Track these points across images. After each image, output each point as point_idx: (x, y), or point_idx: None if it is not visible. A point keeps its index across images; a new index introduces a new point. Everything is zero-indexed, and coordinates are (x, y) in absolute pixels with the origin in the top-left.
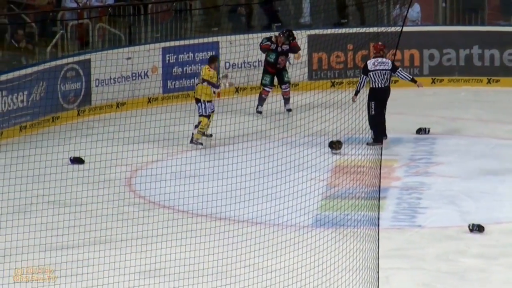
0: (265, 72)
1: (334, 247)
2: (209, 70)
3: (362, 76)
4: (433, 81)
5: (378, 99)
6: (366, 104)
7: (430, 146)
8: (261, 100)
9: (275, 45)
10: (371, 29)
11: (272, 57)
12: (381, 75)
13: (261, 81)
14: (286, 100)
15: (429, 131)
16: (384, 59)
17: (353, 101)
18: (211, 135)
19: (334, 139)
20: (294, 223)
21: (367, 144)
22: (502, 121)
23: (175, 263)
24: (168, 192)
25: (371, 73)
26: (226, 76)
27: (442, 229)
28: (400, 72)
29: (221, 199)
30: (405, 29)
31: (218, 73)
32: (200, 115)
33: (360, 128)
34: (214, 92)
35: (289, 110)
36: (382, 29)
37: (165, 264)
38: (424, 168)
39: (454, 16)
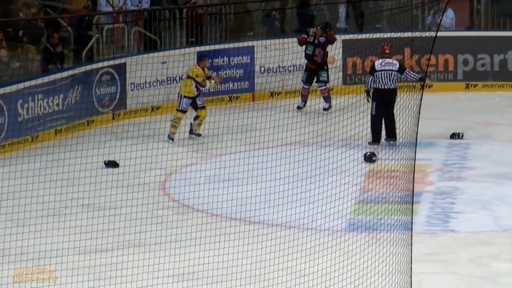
0: (305, 68)
1: (367, 251)
2: (197, 68)
3: (369, 76)
4: (467, 86)
5: (381, 100)
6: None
7: (464, 151)
8: (302, 96)
9: (312, 37)
10: (405, 34)
11: (310, 50)
12: (387, 76)
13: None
14: (324, 99)
15: (462, 136)
16: (391, 60)
17: (367, 101)
18: (199, 134)
19: (368, 152)
20: (328, 227)
21: (368, 143)
22: None
23: (208, 266)
24: (202, 196)
25: (377, 73)
26: (209, 77)
27: (475, 233)
28: (407, 73)
29: (255, 203)
30: (439, 34)
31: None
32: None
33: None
34: (198, 90)
35: (325, 109)
36: (416, 34)
37: (199, 267)
38: (457, 173)
39: (488, 21)
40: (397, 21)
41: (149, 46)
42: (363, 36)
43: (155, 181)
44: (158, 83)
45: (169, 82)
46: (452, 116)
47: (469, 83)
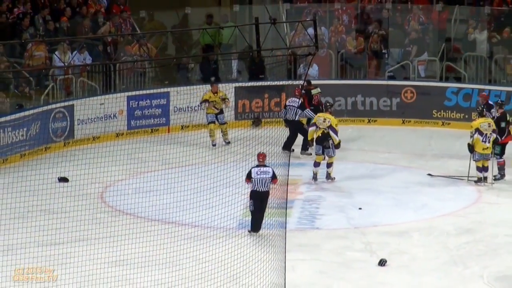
0: None
1: (252, 244)
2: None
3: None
4: None
5: (257, 199)
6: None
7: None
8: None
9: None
10: (281, 82)
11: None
12: (262, 181)
13: None
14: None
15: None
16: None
17: None
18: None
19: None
20: (223, 226)
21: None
22: (378, 151)
23: (135, 255)
24: (130, 203)
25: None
26: (224, 99)
27: (334, 230)
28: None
29: (170, 208)
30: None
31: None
32: None
33: (275, 154)
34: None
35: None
36: (289, 82)
37: (129, 256)
38: (320, 185)
39: (343, 72)
40: (276, 73)
41: (91, 91)
42: (249, 84)
43: (95, 192)
44: (98, 119)
45: (106, 118)
46: None
47: None
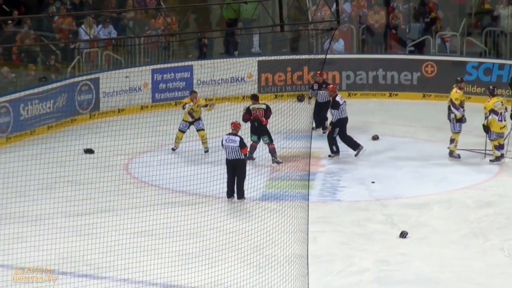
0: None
1: (275, 215)
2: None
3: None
4: (349, 95)
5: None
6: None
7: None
8: None
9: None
10: (304, 56)
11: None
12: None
13: None
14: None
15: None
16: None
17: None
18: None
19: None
20: (248, 197)
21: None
22: (399, 124)
23: (158, 226)
24: (154, 175)
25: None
26: (206, 105)
27: (355, 202)
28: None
29: (195, 179)
30: (328, 56)
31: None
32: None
33: (300, 128)
34: (191, 116)
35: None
36: (312, 56)
37: (152, 227)
38: (342, 158)
39: (365, 47)
40: (297, 47)
41: (116, 64)
42: (273, 57)
43: (120, 163)
44: (123, 91)
45: (131, 91)
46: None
47: (350, 92)
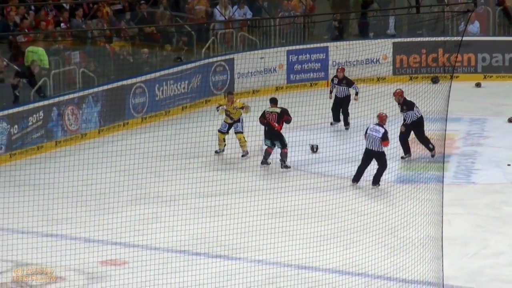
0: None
1: (410, 198)
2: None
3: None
4: (485, 77)
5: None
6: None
7: (482, 124)
8: None
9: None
10: (439, 38)
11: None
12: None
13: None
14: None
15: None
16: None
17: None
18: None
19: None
20: (383, 179)
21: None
22: None
23: (294, 208)
24: (290, 156)
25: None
26: (242, 107)
27: (490, 185)
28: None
29: (334, 160)
30: (464, 38)
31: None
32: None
33: (435, 109)
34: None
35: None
36: (447, 38)
37: (285, 208)
38: (477, 140)
39: (501, 29)
40: (433, 29)
41: (251, 45)
42: (407, 39)
43: (256, 144)
44: (257, 72)
45: (266, 72)
46: (474, 99)
47: (486, 75)
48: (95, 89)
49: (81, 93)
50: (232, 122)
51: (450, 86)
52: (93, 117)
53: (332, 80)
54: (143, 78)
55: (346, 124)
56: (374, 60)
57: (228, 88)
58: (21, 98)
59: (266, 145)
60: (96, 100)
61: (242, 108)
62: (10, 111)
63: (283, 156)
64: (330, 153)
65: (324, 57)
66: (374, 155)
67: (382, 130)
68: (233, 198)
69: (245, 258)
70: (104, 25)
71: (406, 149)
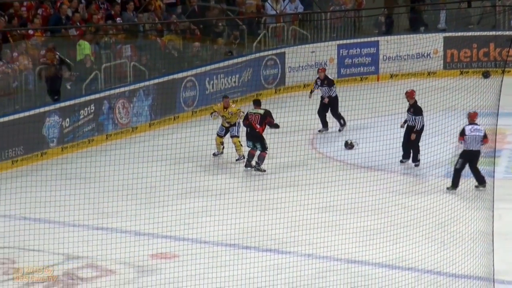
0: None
1: (459, 192)
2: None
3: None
4: None
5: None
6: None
7: None
8: None
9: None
10: (490, 33)
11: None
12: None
13: None
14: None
15: None
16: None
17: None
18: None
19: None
20: (432, 173)
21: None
22: None
23: (341, 202)
24: (338, 150)
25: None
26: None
27: None
28: None
29: (381, 155)
30: None
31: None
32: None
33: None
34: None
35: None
36: (498, 33)
37: (336, 202)
38: None
39: None
40: (484, 24)
41: (302, 39)
42: (459, 34)
43: (305, 138)
44: (308, 66)
45: (317, 66)
46: None
47: None
48: (146, 83)
49: (132, 87)
50: (229, 126)
51: (502, 81)
52: (144, 110)
53: (316, 81)
54: (194, 71)
55: (342, 125)
56: (425, 54)
57: (279, 82)
58: (72, 92)
59: (248, 146)
60: (147, 93)
61: (237, 113)
62: (62, 104)
63: (260, 159)
64: (375, 148)
65: (374, 51)
66: (473, 154)
67: (482, 128)
68: (283, 192)
69: (294, 252)
70: (155, 18)
71: (407, 154)
